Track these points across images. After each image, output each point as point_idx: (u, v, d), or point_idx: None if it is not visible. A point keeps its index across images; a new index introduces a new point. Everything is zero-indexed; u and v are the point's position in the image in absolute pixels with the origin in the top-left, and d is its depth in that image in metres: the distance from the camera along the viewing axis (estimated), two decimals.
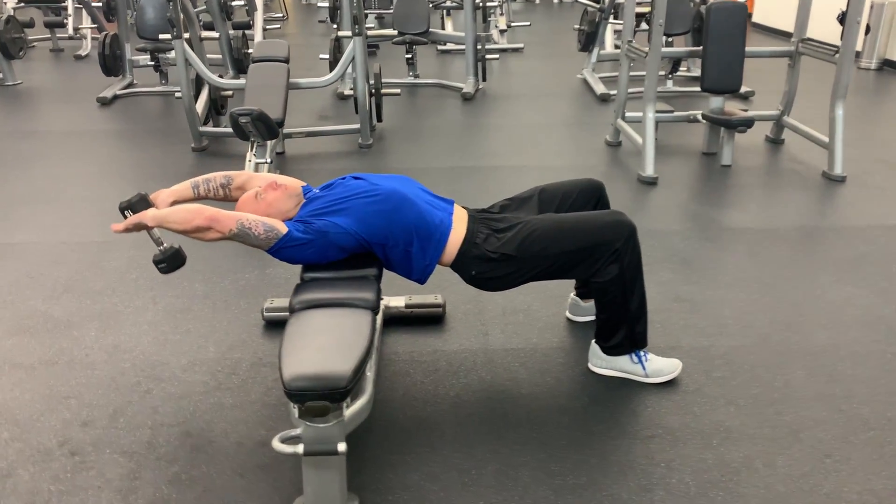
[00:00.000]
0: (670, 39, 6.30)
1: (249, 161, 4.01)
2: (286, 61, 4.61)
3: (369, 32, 4.85)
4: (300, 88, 4.75)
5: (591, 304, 2.72)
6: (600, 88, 6.22)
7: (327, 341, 1.89)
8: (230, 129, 4.82)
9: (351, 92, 5.75)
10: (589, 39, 6.71)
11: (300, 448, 1.75)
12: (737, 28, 4.42)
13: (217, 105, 5.15)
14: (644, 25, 7.33)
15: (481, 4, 6.70)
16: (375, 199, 2.25)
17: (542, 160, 4.66)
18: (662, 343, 2.56)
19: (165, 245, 2.25)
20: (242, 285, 3.05)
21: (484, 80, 6.54)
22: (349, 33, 4.79)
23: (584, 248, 2.21)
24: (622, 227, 2.22)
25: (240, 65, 6.55)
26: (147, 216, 2.16)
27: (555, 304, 2.83)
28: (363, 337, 1.90)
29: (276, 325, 2.73)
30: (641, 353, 2.37)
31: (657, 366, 2.38)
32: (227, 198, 2.43)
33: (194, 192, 2.38)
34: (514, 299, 2.84)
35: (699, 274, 3.08)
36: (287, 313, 2.68)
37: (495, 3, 8.39)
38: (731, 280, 3.04)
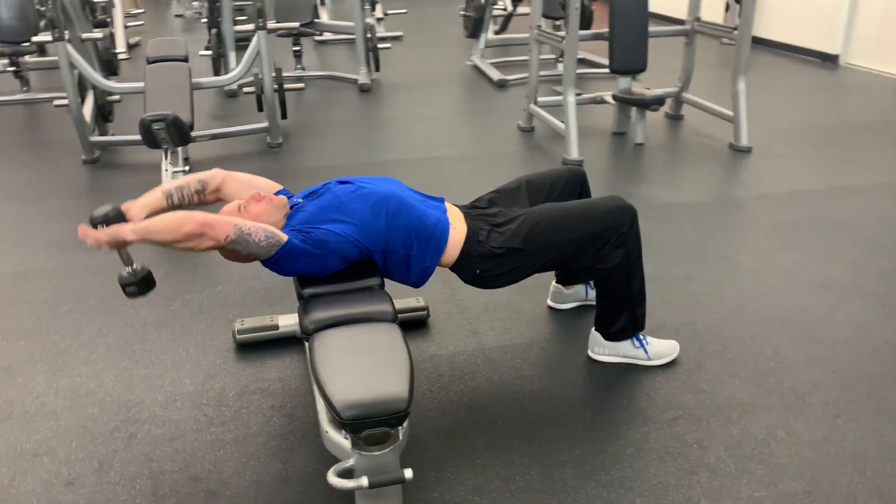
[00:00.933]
0: (558, 23, 6.42)
1: (166, 171, 3.70)
2: (185, 60, 4.29)
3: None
4: (202, 88, 4.43)
5: (573, 290, 2.72)
6: (496, 74, 6.24)
7: (367, 362, 1.76)
8: (124, 138, 4.46)
9: (248, 89, 5.45)
10: (476, 25, 6.71)
11: (364, 481, 1.61)
12: (640, 9, 4.56)
13: (105, 112, 4.72)
14: (520, 10, 7.47)
15: None
16: (371, 203, 2.12)
17: (462, 149, 4.61)
18: (647, 323, 2.58)
19: (136, 266, 2.01)
20: (196, 307, 2.80)
21: (377, 69, 6.40)
22: (249, 27, 4.52)
23: (591, 235, 2.19)
24: (625, 211, 2.22)
25: (110, 66, 6.03)
26: (126, 230, 1.91)
27: (534, 294, 2.80)
28: (402, 352, 1.79)
29: (250, 348, 2.53)
30: (642, 337, 2.39)
31: (657, 348, 2.40)
32: (202, 202, 2.22)
33: (168, 202, 2.15)
34: (492, 295, 2.78)
35: (657, 252, 3.15)
36: (259, 334, 2.53)
37: None
38: (688, 255, 3.14)
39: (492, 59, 6.85)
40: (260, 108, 4.83)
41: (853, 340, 2.52)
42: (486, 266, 2.21)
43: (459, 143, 4.75)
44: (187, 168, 3.76)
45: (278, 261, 2.01)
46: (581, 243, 2.20)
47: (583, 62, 6.76)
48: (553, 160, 4.35)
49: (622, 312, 2.33)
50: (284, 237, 2.00)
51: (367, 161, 4.40)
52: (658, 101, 4.41)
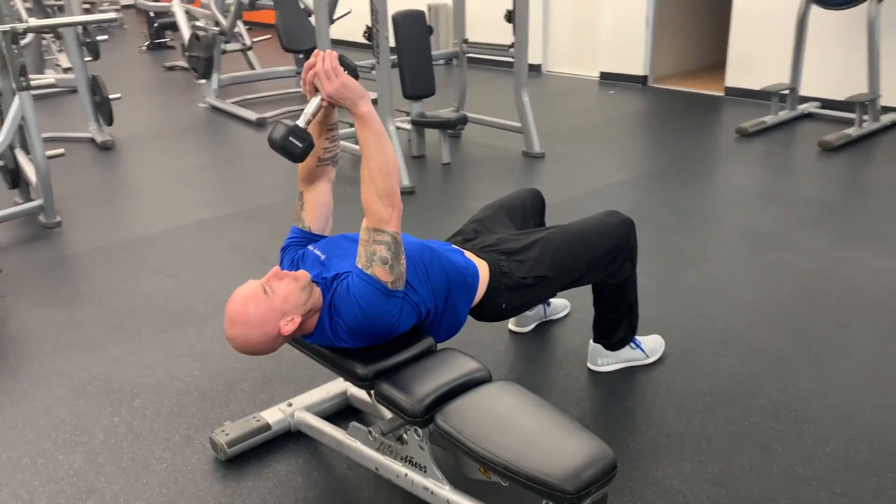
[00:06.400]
0: (301, 56, 6.26)
1: None
2: None
3: None
4: None
5: (535, 310, 2.72)
6: (250, 114, 5.86)
7: (533, 428, 1.61)
8: None
9: None
10: (207, 65, 6.27)
11: None
12: (422, 35, 4.66)
13: None
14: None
15: (89, 39, 5.64)
16: (409, 260, 1.91)
17: (270, 197, 4.25)
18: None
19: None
20: (126, 432, 2.24)
21: (110, 123, 5.59)
22: None
23: (608, 252, 2.22)
24: (627, 224, 2.29)
25: None
26: (368, 97, 1.80)
27: (489, 324, 2.72)
28: (549, 407, 1.66)
29: (240, 459, 2.11)
30: (635, 339, 2.48)
31: (650, 345, 2.52)
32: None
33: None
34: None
35: None
36: (252, 440, 2.11)
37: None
38: None
39: (228, 98, 6.42)
40: (14, 185, 4.01)
41: (751, 293, 2.90)
42: (512, 298, 2.12)
43: (274, 188, 4.39)
44: None
45: (401, 297, 1.81)
46: (599, 261, 2.21)
47: None
48: None
49: (622, 321, 2.40)
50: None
51: (172, 226, 3.86)
52: (463, 122, 4.55)
